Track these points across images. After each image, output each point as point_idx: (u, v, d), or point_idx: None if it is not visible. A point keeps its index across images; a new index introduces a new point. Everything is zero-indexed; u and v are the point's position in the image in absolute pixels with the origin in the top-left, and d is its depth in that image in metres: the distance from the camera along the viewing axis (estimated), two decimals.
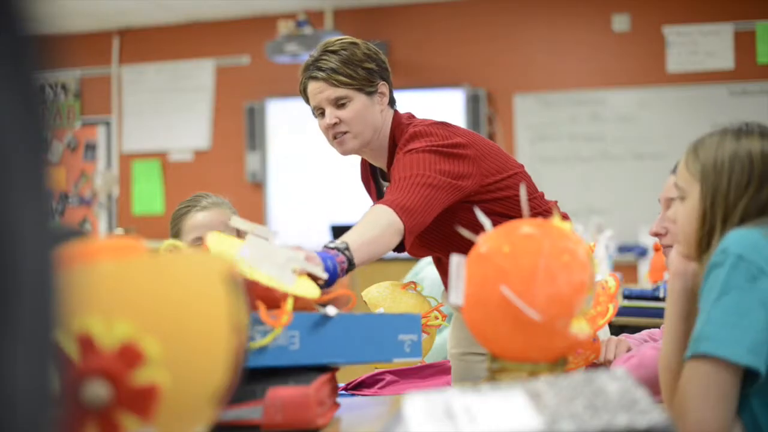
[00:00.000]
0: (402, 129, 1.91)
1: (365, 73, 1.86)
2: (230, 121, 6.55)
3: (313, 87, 1.87)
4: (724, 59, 5.64)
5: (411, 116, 1.97)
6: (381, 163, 1.97)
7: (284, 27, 5.94)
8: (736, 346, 1.15)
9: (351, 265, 1.54)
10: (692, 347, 1.19)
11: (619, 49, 5.83)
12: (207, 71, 6.62)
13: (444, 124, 1.90)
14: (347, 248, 1.54)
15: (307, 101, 1.93)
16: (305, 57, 1.93)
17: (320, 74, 1.85)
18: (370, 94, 1.88)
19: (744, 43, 5.61)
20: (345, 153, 1.93)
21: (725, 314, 1.17)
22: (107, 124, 6.88)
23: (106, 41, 6.83)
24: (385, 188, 2.03)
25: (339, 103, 1.86)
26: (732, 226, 1.25)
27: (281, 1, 6.11)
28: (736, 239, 1.20)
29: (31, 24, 0.47)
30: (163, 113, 6.73)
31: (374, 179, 2.06)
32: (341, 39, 1.90)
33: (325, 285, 1.46)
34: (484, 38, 6.06)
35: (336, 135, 1.88)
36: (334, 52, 1.86)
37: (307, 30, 5.89)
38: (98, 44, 6.81)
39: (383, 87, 1.90)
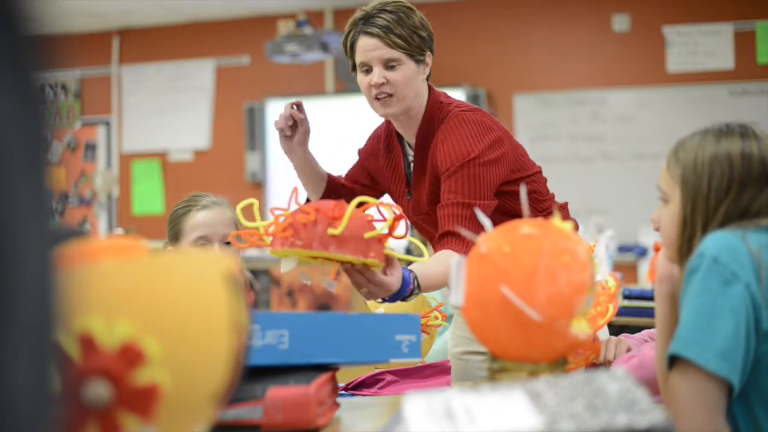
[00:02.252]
0: (441, 107, 1.90)
1: (419, 41, 1.84)
2: (230, 121, 6.55)
3: (365, 42, 1.83)
4: (724, 59, 5.64)
5: (447, 96, 1.97)
6: (409, 133, 1.95)
7: (284, 27, 5.94)
8: (704, 350, 1.15)
9: (410, 295, 1.61)
10: (669, 349, 1.20)
11: (619, 49, 5.83)
12: (207, 71, 6.63)
13: (482, 113, 1.90)
14: (419, 291, 1.62)
15: (350, 56, 1.89)
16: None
17: (376, 30, 1.81)
18: (418, 62, 1.86)
19: (744, 43, 5.61)
20: (386, 115, 1.91)
21: (696, 316, 1.17)
22: (107, 124, 6.88)
23: (106, 41, 6.83)
24: (411, 157, 1.98)
25: (389, 65, 1.83)
26: (713, 230, 1.23)
27: (281, 1, 6.11)
28: (713, 242, 1.20)
29: (31, 24, 0.47)
30: (163, 113, 6.73)
31: (402, 146, 2.01)
32: (396, 1, 1.86)
33: (389, 299, 1.57)
34: (484, 38, 6.06)
35: (379, 95, 1.85)
36: (390, 11, 1.82)
37: (307, 30, 5.89)
38: (98, 44, 6.82)
39: (429, 59, 1.89)
